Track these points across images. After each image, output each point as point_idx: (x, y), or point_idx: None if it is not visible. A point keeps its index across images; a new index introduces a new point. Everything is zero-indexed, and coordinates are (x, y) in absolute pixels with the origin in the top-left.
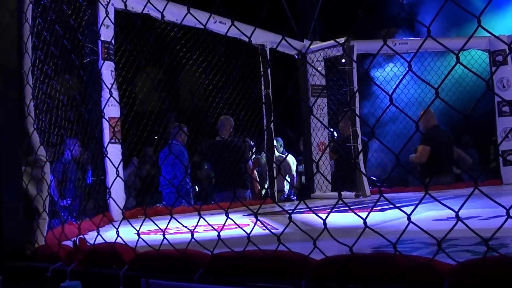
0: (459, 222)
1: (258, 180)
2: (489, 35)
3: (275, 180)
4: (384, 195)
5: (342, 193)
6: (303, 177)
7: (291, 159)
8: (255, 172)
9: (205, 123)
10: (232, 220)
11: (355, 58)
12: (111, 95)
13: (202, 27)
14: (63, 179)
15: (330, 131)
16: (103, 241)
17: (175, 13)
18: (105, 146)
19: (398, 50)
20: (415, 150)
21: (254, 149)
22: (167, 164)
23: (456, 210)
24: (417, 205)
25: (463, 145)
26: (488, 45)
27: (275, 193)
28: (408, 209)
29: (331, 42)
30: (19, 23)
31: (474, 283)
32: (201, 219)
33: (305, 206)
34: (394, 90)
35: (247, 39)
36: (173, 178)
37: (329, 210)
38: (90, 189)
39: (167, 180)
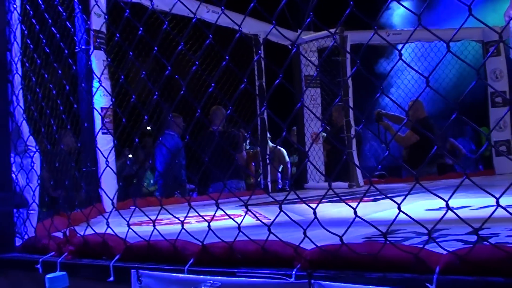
0: (451, 212)
1: (254, 173)
2: (483, 25)
3: (269, 171)
4: (378, 185)
5: (336, 183)
6: (293, 168)
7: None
8: (252, 165)
9: (197, 113)
10: (223, 210)
11: (348, 48)
12: (100, 85)
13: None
14: (54, 170)
15: (323, 123)
16: (94, 233)
17: (167, 2)
18: (96, 136)
19: (391, 41)
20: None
21: (248, 140)
22: (160, 155)
23: (447, 200)
24: (406, 195)
25: (455, 134)
26: (482, 36)
27: (269, 183)
28: (400, 199)
29: (325, 32)
30: (8, 11)
31: (464, 272)
32: (192, 209)
33: (297, 197)
34: (385, 79)
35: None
36: (168, 170)
37: (321, 200)
38: (81, 180)
39: (159, 172)
